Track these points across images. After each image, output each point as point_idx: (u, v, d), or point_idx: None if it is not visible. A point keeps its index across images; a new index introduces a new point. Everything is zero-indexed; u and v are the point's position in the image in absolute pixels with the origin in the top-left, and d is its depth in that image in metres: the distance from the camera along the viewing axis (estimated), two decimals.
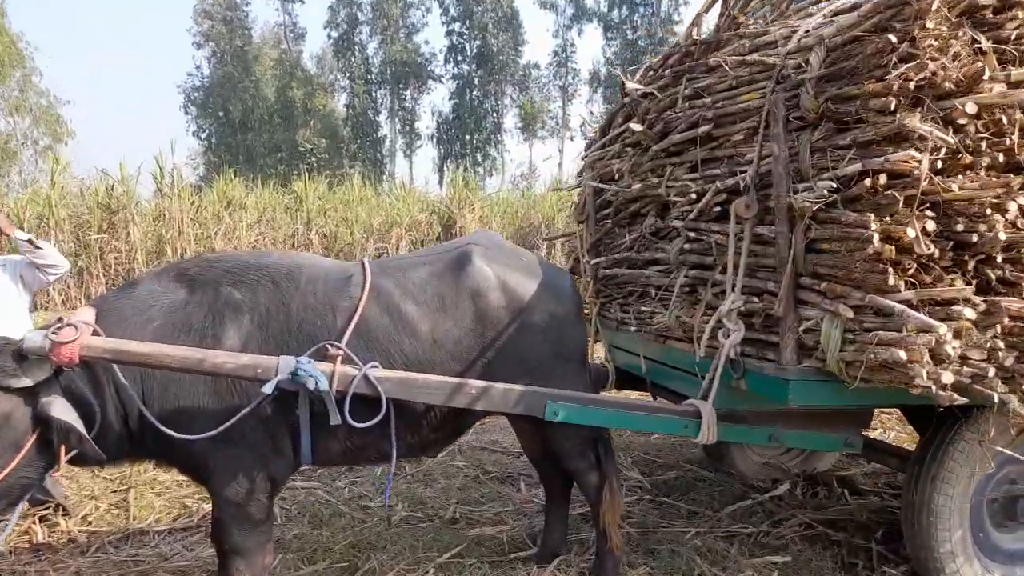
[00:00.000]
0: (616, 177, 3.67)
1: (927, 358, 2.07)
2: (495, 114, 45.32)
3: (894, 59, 2.15)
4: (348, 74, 43.78)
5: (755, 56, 2.75)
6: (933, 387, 2.08)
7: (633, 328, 3.44)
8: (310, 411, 2.55)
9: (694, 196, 2.94)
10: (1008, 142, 2.20)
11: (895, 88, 2.13)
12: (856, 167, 2.21)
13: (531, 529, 3.65)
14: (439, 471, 4.62)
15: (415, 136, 46.25)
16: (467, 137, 44.83)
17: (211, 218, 15.42)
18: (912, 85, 2.14)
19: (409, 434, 2.81)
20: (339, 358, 2.55)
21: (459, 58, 45.17)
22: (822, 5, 2.90)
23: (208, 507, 3.87)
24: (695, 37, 3.19)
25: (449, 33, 44.96)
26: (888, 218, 2.17)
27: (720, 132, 2.90)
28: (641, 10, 44.22)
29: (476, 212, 18.54)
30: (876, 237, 2.14)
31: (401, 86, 44.56)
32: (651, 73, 3.50)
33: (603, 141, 3.88)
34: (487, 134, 45.35)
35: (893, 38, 2.13)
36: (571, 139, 47.87)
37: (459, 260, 2.88)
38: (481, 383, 2.70)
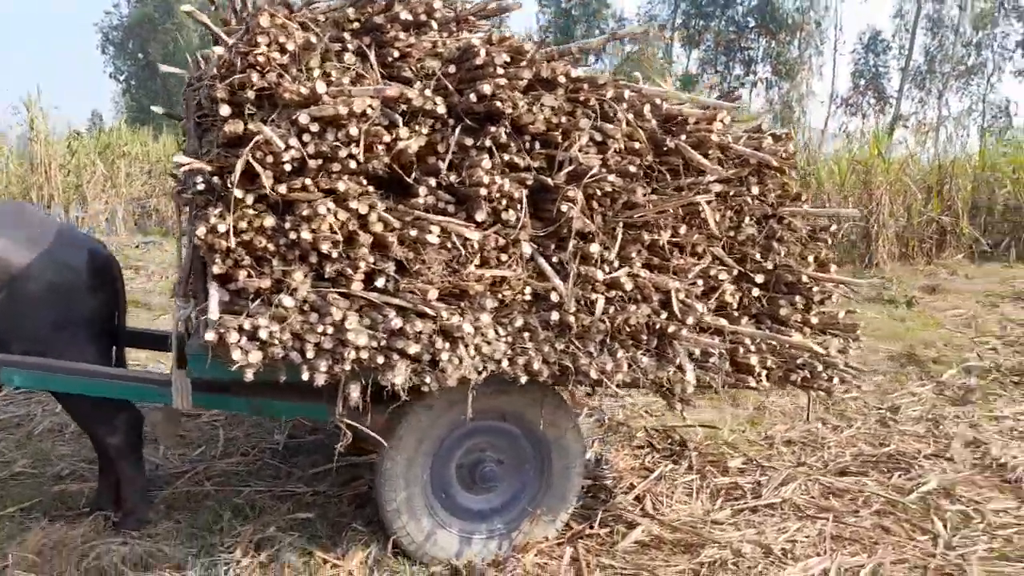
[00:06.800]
0: None
1: (237, 339, 2.31)
2: None
3: None
4: None
5: None
6: (241, 363, 2.31)
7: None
8: None
9: None
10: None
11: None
12: None
13: None
14: (76, 428, 4.20)
15: None
16: None
17: (89, 165, 14.91)
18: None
19: None
20: None
21: None
22: None
23: None
24: None
25: None
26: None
27: None
28: None
29: None
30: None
31: None
32: None
33: None
34: None
35: None
36: None
37: None
38: None
